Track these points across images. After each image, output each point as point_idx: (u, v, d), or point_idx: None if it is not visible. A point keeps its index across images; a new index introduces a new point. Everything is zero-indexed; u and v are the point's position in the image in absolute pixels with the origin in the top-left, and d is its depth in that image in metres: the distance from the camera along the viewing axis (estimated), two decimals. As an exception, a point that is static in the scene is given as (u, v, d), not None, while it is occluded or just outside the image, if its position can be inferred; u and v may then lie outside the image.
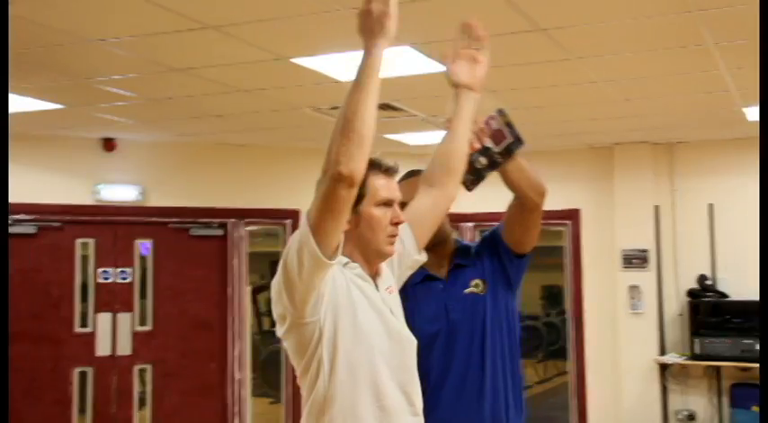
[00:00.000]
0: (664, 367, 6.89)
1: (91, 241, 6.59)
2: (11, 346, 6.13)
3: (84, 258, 6.57)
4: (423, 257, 2.49)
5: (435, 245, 2.72)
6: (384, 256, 2.29)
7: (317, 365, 2.15)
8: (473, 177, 2.57)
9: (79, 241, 6.56)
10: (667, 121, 6.19)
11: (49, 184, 6.42)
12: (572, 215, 7.37)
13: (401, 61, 4.19)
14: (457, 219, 7.12)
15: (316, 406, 2.16)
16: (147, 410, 6.67)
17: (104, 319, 6.54)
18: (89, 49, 3.95)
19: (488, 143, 2.55)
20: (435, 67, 4.34)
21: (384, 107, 5.34)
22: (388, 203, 2.26)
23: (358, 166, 1.97)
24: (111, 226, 6.62)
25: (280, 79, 4.65)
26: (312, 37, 3.84)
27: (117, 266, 6.62)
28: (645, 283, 6.97)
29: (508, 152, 2.57)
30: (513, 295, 3.02)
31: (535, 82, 4.70)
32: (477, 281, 2.94)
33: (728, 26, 3.65)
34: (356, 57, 4.11)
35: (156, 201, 6.71)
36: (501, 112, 2.56)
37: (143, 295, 6.71)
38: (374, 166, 2.26)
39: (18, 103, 5.13)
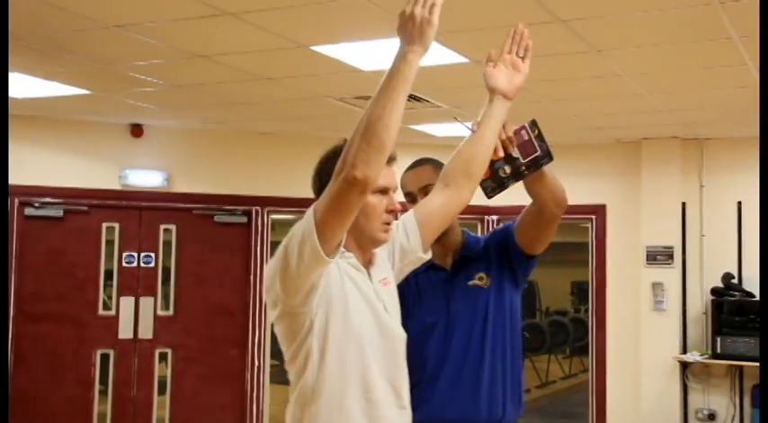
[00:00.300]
0: (685, 366, 6.83)
1: (116, 225, 6.66)
2: (35, 325, 6.28)
3: (109, 242, 6.64)
4: (427, 256, 2.47)
5: (441, 235, 2.68)
6: (378, 243, 2.28)
7: (305, 355, 2.15)
8: (494, 185, 2.53)
9: (105, 225, 6.64)
10: (696, 117, 6.11)
11: (77, 169, 6.51)
12: (597, 210, 7.32)
13: (421, 51, 4.18)
14: (481, 211, 7.10)
15: (303, 396, 2.16)
16: (167, 394, 6.74)
17: (127, 302, 6.62)
18: (112, 34, 3.99)
19: (515, 153, 2.48)
20: (456, 58, 4.33)
21: (408, 97, 5.34)
22: (383, 191, 2.24)
23: (374, 173, 1.95)
24: (137, 211, 6.69)
25: (302, 67, 4.66)
26: (331, 25, 3.84)
27: (141, 251, 6.69)
28: (669, 281, 6.90)
29: (535, 165, 2.51)
30: (518, 292, 3.00)
31: (557, 74, 4.66)
32: (481, 274, 2.92)
33: (749, 18, 3.59)
34: (377, 46, 4.16)
35: (181, 187, 6.77)
36: (533, 124, 2.50)
37: (166, 280, 6.78)
38: None
39: (46, 88, 5.20)
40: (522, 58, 2.46)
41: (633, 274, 7.05)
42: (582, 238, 7.61)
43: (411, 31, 2.01)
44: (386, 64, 4.79)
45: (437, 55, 4.26)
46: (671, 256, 6.90)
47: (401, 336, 2.30)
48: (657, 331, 6.90)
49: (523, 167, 2.50)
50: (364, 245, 2.26)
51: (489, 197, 2.60)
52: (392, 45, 4.07)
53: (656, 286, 6.91)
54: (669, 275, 6.91)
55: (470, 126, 2.42)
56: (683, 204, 6.96)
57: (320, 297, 2.12)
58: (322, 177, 2.24)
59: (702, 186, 6.96)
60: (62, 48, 4.29)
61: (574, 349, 12.73)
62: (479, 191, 2.54)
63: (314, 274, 2.06)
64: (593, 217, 7.33)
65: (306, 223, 2.01)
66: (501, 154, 2.47)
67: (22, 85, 5.14)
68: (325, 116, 6.01)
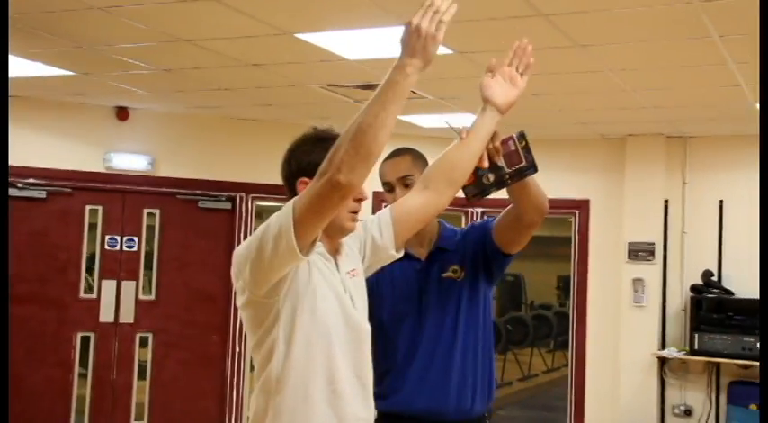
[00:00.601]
0: (663, 361, 6.88)
1: (99, 208, 6.66)
2: (16, 306, 6.26)
3: (92, 225, 6.64)
4: (399, 254, 2.46)
5: (422, 231, 2.71)
6: (345, 231, 2.29)
7: (271, 345, 2.16)
8: (476, 191, 2.52)
9: (88, 208, 6.63)
10: (680, 114, 6.14)
11: (61, 150, 6.49)
12: (581, 205, 7.35)
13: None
14: (465, 203, 7.11)
15: (268, 385, 2.17)
16: (147, 378, 6.74)
17: (109, 285, 6.62)
18: (97, 16, 3.98)
19: (501, 162, 2.48)
20: (441, 49, 4.33)
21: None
22: None
23: (358, 180, 1.95)
24: (121, 194, 6.68)
25: (286, 55, 4.66)
26: (315, 12, 3.85)
27: (124, 234, 6.69)
28: (649, 277, 6.94)
29: (519, 175, 2.52)
30: (491, 287, 3.02)
31: (539, 68, 4.61)
32: (455, 266, 2.94)
33: (730, 19, 3.62)
34: (361, 35, 4.16)
35: (165, 171, 6.76)
36: (521, 136, 2.49)
37: (148, 264, 6.78)
38: None
39: (28, 68, 5.17)
40: (522, 74, 2.44)
41: (614, 269, 7.09)
42: (569, 232, 7.65)
43: (414, 44, 1.99)
44: (370, 53, 4.82)
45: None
46: (652, 253, 6.94)
47: (366, 329, 2.30)
48: (637, 327, 6.94)
49: (507, 177, 2.50)
50: (331, 233, 2.26)
51: (471, 202, 2.60)
52: (376, 34, 4.12)
53: (637, 282, 6.95)
54: (650, 272, 6.95)
55: (459, 131, 2.41)
56: (666, 201, 7.00)
57: (288, 288, 2.13)
58: (291, 164, 2.27)
59: (685, 184, 7.00)
60: (45, 28, 4.27)
61: (557, 343, 12.79)
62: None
63: (285, 268, 2.08)
64: (577, 212, 7.37)
65: (284, 218, 2.00)
66: (486, 164, 2.47)
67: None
68: (310, 104, 6.01)
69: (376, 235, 2.40)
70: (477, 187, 2.51)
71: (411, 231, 2.47)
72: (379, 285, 2.92)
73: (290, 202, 2.02)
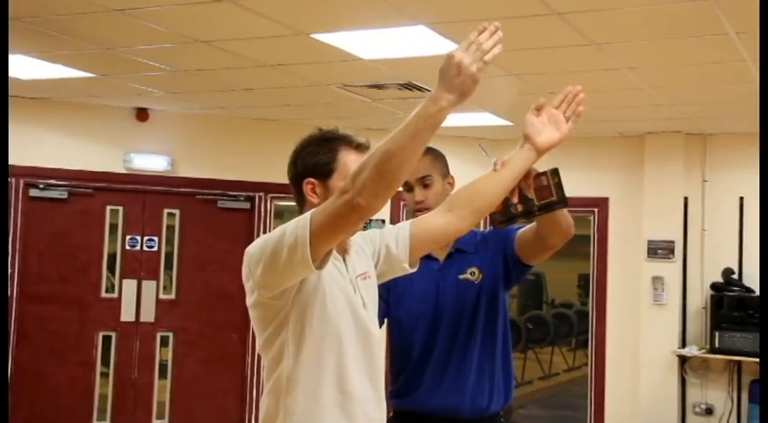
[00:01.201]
0: (683, 360, 6.84)
1: (120, 209, 6.72)
2: (38, 306, 6.35)
3: (113, 225, 6.70)
4: (411, 269, 2.44)
5: None
6: (353, 231, 2.30)
7: (280, 346, 2.17)
8: (503, 218, 2.51)
9: (109, 208, 6.70)
10: (698, 112, 6.11)
11: (82, 151, 6.56)
12: (600, 203, 7.32)
13: (417, 41, 4.20)
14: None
15: (278, 386, 2.18)
16: (168, 377, 6.80)
17: (130, 285, 6.68)
18: (114, 18, 4.02)
19: (531, 195, 2.46)
20: (451, 47, 4.34)
21: (408, 87, 5.37)
22: None
23: (378, 204, 1.95)
24: (141, 194, 6.75)
25: (303, 55, 4.69)
26: (330, 13, 3.87)
27: (144, 234, 6.75)
28: (669, 275, 6.90)
29: (548, 208, 2.50)
30: (508, 291, 3.04)
31: (555, 67, 4.67)
32: (473, 269, 2.95)
33: (746, 15, 3.59)
34: (376, 35, 4.18)
35: (185, 171, 6.82)
36: (554, 172, 2.46)
37: (168, 264, 6.83)
38: (345, 141, 2.27)
39: (50, 70, 5.24)
40: (568, 119, 2.41)
41: (634, 267, 7.06)
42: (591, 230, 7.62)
43: (453, 79, 1.93)
44: (385, 53, 4.83)
45: (437, 45, 4.28)
46: (672, 251, 6.91)
47: (376, 334, 2.30)
48: (657, 325, 6.91)
49: (536, 208, 2.49)
50: None
51: (497, 228, 2.62)
52: (391, 34, 4.13)
53: (657, 280, 6.91)
54: (670, 270, 6.91)
55: (493, 161, 2.37)
56: (686, 199, 6.96)
57: (297, 290, 2.13)
58: (297, 165, 2.28)
59: (705, 181, 6.95)
60: (64, 31, 4.33)
61: (578, 342, 12.74)
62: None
63: (298, 278, 2.09)
64: (596, 210, 7.34)
65: (301, 230, 1.99)
66: (516, 199, 2.45)
67: (26, 67, 5.19)
68: (327, 103, 6.04)
69: (391, 245, 2.39)
70: (504, 215, 2.50)
71: (427, 250, 2.46)
72: (398, 284, 2.93)
73: (309, 214, 2.01)
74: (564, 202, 2.49)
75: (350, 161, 2.24)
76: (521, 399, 9.65)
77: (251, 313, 2.23)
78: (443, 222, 2.37)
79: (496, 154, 2.48)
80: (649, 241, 6.97)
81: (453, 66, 1.93)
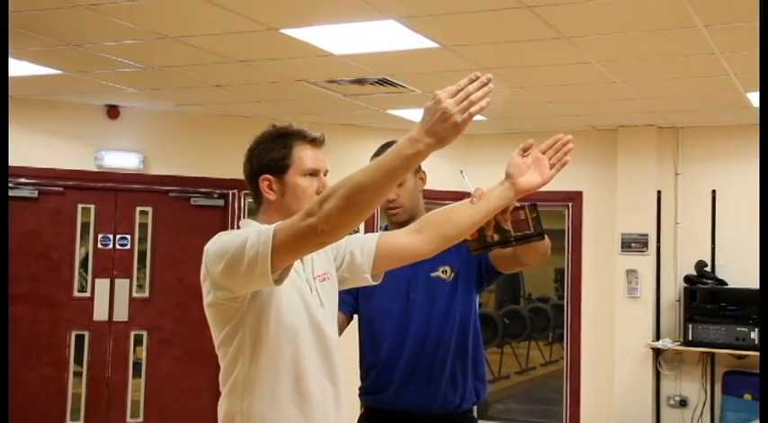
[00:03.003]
0: (657, 352, 6.88)
1: (92, 207, 6.66)
2: (11, 306, 6.26)
3: (85, 224, 6.64)
4: (374, 281, 2.41)
5: (408, 222, 2.71)
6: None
7: (237, 347, 2.16)
8: (479, 246, 2.49)
9: (80, 206, 6.63)
10: (670, 105, 6.14)
11: (53, 149, 6.48)
12: (574, 197, 7.35)
13: (387, 36, 4.18)
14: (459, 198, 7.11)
15: (235, 388, 2.18)
16: (142, 376, 6.75)
17: (102, 284, 6.62)
18: (82, 14, 3.97)
19: (508, 227, 2.43)
20: (427, 43, 4.33)
21: (381, 82, 5.35)
22: (314, 173, 2.26)
23: (342, 233, 1.95)
24: (113, 193, 6.68)
25: (273, 51, 4.66)
26: (298, 8, 3.84)
27: (117, 233, 6.69)
28: (643, 268, 6.94)
29: (525, 240, 2.47)
30: (478, 292, 3.04)
31: (525, 60, 4.67)
32: (445, 267, 2.94)
33: (715, 8, 3.61)
34: (347, 29, 4.16)
35: (157, 169, 6.76)
36: (533, 207, 2.43)
37: (142, 262, 6.78)
38: (300, 136, 2.27)
39: (15, 67, 5.15)
40: (552, 166, 2.33)
41: (608, 261, 7.10)
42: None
43: (435, 124, 1.83)
44: (357, 48, 4.80)
45: (408, 40, 4.27)
46: (645, 244, 6.94)
47: (331, 336, 2.28)
48: (631, 318, 6.95)
49: (512, 239, 2.46)
50: None
51: (471, 255, 2.59)
52: (362, 29, 4.11)
53: (631, 273, 6.95)
54: (643, 263, 6.95)
55: (473, 190, 2.32)
56: (659, 192, 7.00)
57: (253, 294, 2.12)
58: (252, 163, 2.28)
59: (678, 174, 6.99)
60: (31, 27, 4.27)
61: (555, 336, 12.79)
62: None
63: (255, 287, 2.08)
64: (570, 204, 7.37)
65: (262, 247, 1.96)
66: (491, 232, 2.42)
67: (-8, 65, 5.11)
68: (300, 100, 6.01)
69: (356, 252, 2.37)
70: (480, 243, 2.48)
71: (390, 265, 2.42)
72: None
73: (272, 228, 1.98)
74: (541, 235, 2.47)
75: (305, 156, 2.25)
76: (497, 393, 9.68)
77: (207, 313, 2.22)
78: (409, 242, 2.36)
79: (477, 181, 2.42)
80: (623, 234, 7.00)
81: (438, 111, 1.83)
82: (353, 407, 3.00)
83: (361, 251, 2.36)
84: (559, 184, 7.78)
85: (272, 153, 2.25)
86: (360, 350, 3.03)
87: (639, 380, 6.90)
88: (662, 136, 7.00)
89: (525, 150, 2.34)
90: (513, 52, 4.47)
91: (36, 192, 6.45)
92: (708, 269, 6.77)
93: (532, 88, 5.47)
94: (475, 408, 3.04)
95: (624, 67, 4.82)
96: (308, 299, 2.23)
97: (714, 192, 6.87)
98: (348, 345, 3.00)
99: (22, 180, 6.35)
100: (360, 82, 5.34)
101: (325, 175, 2.30)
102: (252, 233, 2.01)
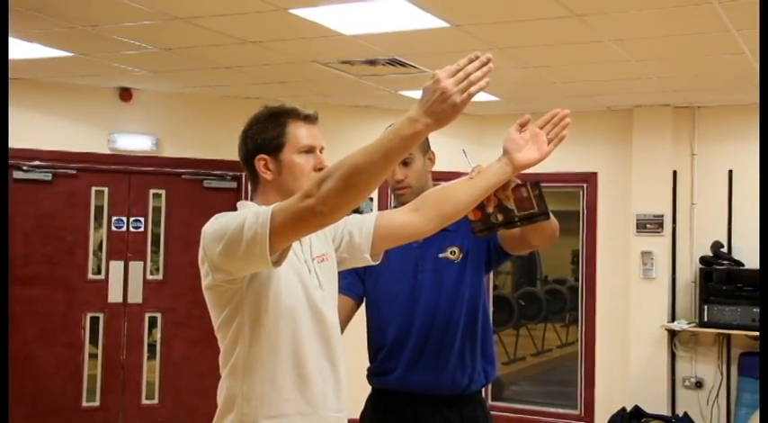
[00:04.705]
0: (673, 334, 6.83)
1: (105, 190, 6.67)
2: (25, 289, 6.31)
3: (98, 207, 6.66)
4: (373, 261, 2.40)
5: None
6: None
7: (236, 329, 2.15)
8: (483, 227, 2.46)
9: (94, 189, 6.65)
10: (685, 84, 6.06)
11: (66, 132, 6.50)
12: (589, 178, 7.29)
13: (396, 15, 4.14)
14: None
15: (235, 371, 2.17)
16: (156, 358, 6.78)
17: (117, 266, 6.65)
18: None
19: (511, 206, 2.40)
20: (438, 22, 4.29)
21: (392, 63, 5.31)
22: (310, 150, 2.24)
23: (340, 214, 1.93)
24: (126, 175, 6.70)
25: (283, 31, 4.63)
26: (306, -13, 3.81)
27: (130, 215, 6.71)
28: (658, 249, 6.88)
29: (529, 220, 2.44)
30: (487, 273, 3.00)
31: (537, 39, 4.62)
32: (454, 248, 2.91)
33: (728, -16, 3.55)
34: (357, 9, 4.12)
35: (170, 151, 6.77)
36: (535, 184, 2.40)
37: (155, 245, 6.80)
38: (293, 114, 2.26)
39: (27, 49, 5.16)
40: (550, 141, 2.32)
41: (623, 242, 7.05)
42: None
43: (433, 104, 1.82)
44: (367, 28, 4.77)
45: (418, 19, 4.23)
46: (661, 225, 6.88)
47: (331, 319, 2.27)
48: (646, 299, 6.90)
49: (517, 219, 2.43)
50: None
51: (477, 237, 2.56)
52: (372, 7, 4.07)
53: (646, 255, 6.89)
54: (659, 244, 6.89)
55: (471, 167, 2.32)
56: (674, 173, 6.93)
57: (251, 275, 2.11)
58: (247, 144, 2.28)
59: (694, 154, 6.92)
60: (41, 9, 4.26)
61: (571, 318, 12.76)
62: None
63: (254, 270, 2.07)
64: (585, 185, 7.31)
65: (260, 228, 1.94)
66: (491, 209, 2.39)
67: (4, 48, 5.11)
68: (312, 81, 5.98)
69: (354, 232, 2.36)
70: (484, 224, 2.45)
71: (390, 244, 2.40)
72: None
73: (269, 209, 1.96)
74: (546, 214, 2.43)
75: (299, 133, 2.24)
76: (513, 375, 9.67)
77: (206, 295, 2.21)
78: (407, 220, 2.34)
79: (477, 158, 2.43)
80: (638, 216, 6.94)
81: (437, 91, 1.82)
82: (362, 389, 3.00)
83: (360, 231, 2.35)
84: (574, 164, 7.78)
85: (267, 133, 2.24)
86: (367, 332, 3.02)
87: (655, 361, 6.87)
88: (678, 116, 6.92)
89: (523, 126, 2.32)
90: (525, 31, 4.42)
91: (50, 174, 6.47)
92: (724, 250, 6.71)
93: (545, 68, 5.41)
94: (484, 389, 3.01)
95: (638, 46, 4.76)
96: (307, 280, 2.22)
97: (731, 172, 6.79)
98: (357, 327, 3.00)
99: (36, 163, 6.37)
100: (371, 63, 5.30)
101: (321, 151, 2.28)
102: (250, 214, 1.99)
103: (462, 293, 2.88)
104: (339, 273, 2.45)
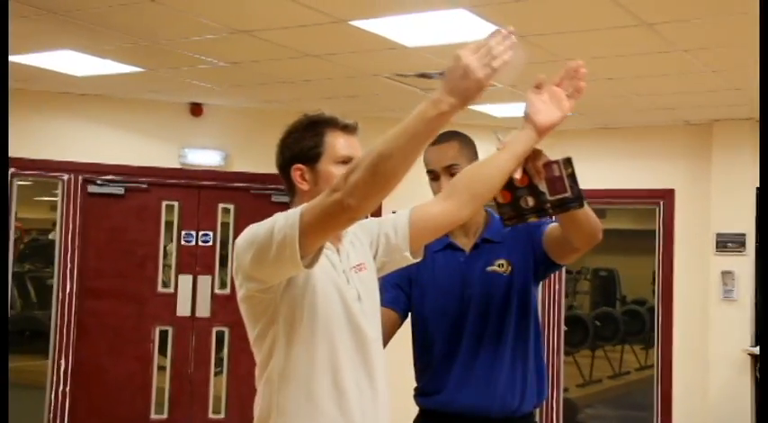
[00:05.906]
0: (756, 359, 6.52)
1: (176, 204, 6.75)
2: (97, 301, 6.41)
3: (168, 221, 6.73)
4: (415, 258, 2.32)
5: None
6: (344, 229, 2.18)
7: (271, 341, 2.10)
8: (513, 214, 2.35)
9: (164, 203, 6.73)
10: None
11: (138, 147, 6.61)
12: (665, 195, 7.04)
13: (458, 26, 4.06)
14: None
15: (271, 383, 2.12)
16: (224, 372, 6.80)
17: (185, 280, 6.70)
18: (153, 9, 4.00)
19: (542, 187, 2.30)
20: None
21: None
22: (347, 161, 2.14)
23: (369, 206, 1.87)
24: (196, 190, 6.76)
25: (344, 44, 4.59)
26: (365, -2, 3.77)
27: (200, 229, 6.76)
28: (740, 269, 6.59)
29: (562, 207, 2.32)
30: (536, 286, 2.87)
31: (606, 51, 4.47)
32: (502, 261, 2.78)
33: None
34: (418, 20, 4.05)
35: (239, 166, 6.81)
36: (568, 162, 2.29)
37: (223, 259, 6.83)
38: (331, 123, 2.20)
39: (100, 66, 5.25)
40: (569, 97, 2.23)
41: (702, 261, 6.77)
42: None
43: (457, 82, 1.80)
44: (429, 39, 4.69)
45: (481, 30, 4.13)
46: (743, 244, 6.60)
47: (369, 331, 2.19)
48: (727, 322, 6.61)
49: (548, 205, 2.32)
50: None
51: (506, 226, 2.44)
52: (433, 18, 4.00)
53: (726, 275, 6.61)
54: (740, 263, 6.60)
55: (500, 139, 2.25)
56: (758, 189, 6.63)
57: (286, 285, 2.05)
58: (284, 153, 2.23)
59: (778, 171, 6.61)
60: (104, 23, 4.32)
61: (652, 340, 12.38)
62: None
63: (287, 275, 2.02)
64: (661, 202, 7.06)
65: (290, 229, 1.90)
66: (518, 175, 2.27)
67: (77, 63, 5.22)
68: (377, 95, 5.93)
69: (390, 233, 2.29)
70: (514, 209, 2.35)
71: (428, 238, 2.33)
72: (421, 277, 2.81)
73: (298, 210, 1.92)
74: (579, 200, 2.30)
75: (337, 143, 2.18)
76: (588, 398, 9.40)
77: (241, 308, 2.16)
78: (441, 210, 2.26)
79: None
80: (718, 234, 6.67)
81: (459, 68, 1.80)
82: (409, 409, 2.89)
83: (395, 231, 2.28)
84: (650, 181, 7.52)
85: (304, 142, 2.19)
86: (413, 351, 2.91)
87: (736, 387, 6.56)
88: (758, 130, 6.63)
89: (539, 87, 2.23)
90: (592, 41, 4.28)
91: (122, 189, 6.57)
92: (810, 271, 6.38)
93: (617, 80, 5.24)
94: (537, 411, 2.87)
95: (712, 56, 4.56)
96: (345, 292, 2.15)
97: (818, 189, 6.45)
98: (403, 343, 2.90)
99: (110, 177, 6.48)
100: (427, 76, 5.21)
101: None
102: (279, 218, 1.95)
103: (512, 308, 2.75)
104: (381, 285, 2.38)
